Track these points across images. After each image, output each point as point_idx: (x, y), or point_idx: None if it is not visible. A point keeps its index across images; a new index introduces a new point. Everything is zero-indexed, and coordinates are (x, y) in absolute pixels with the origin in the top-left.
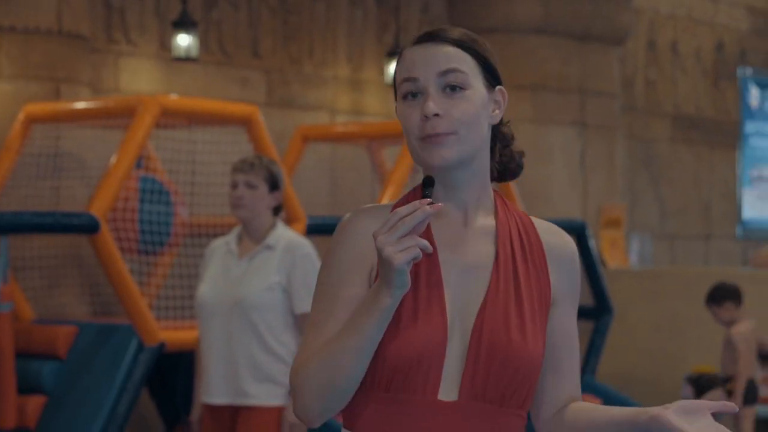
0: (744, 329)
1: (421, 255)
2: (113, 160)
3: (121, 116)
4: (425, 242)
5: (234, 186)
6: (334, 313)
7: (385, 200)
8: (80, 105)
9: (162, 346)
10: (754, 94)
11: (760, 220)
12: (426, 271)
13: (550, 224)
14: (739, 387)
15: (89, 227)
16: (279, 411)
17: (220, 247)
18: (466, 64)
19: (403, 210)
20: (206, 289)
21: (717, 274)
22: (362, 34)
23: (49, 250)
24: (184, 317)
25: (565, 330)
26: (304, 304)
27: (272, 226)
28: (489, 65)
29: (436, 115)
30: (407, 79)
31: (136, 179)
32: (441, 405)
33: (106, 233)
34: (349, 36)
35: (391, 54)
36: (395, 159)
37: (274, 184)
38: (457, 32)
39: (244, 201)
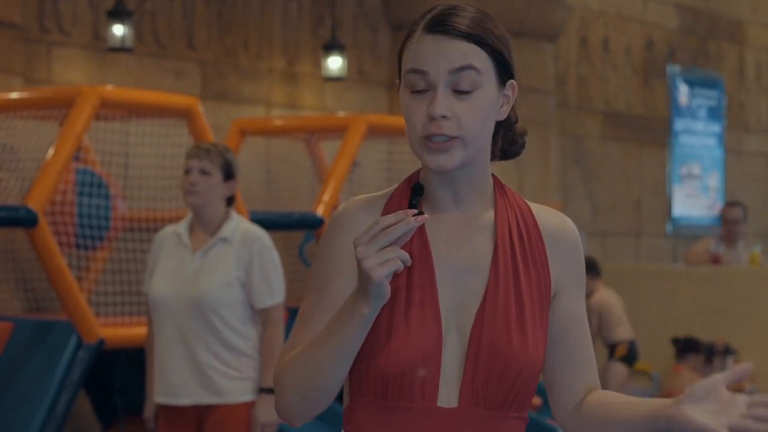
0: (604, 297)
1: (402, 268)
2: (51, 151)
3: (58, 107)
4: (406, 255)
5: (187, 171)
6: (319, 310)
7: (326, 195)
8: (14, 95)
9: (101, 342)
10: (683, 92)
11: (689, 218)
12: (419, 271)
13: (549, 209)
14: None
15: (27, 221)
16: (248, 406)
17: (171, 238)
18: (479, 62)
19: (387, 220)
20: (160, 284)
21: (648, 270)
22: (297, 27)
23: None
24: (123, 313)
25: (572, 319)
26: (264, 299)
27: (226, 217)
28: (503, 60)
29: (444, 116)
30: (415, 71)
31: (73, 172)
32: (440, 412)
33: (44, 227)
34: (285, 29)
35: (328, 48)
36: (334, 154)
37: (228, 173)
38: (470, 21)
39: (198, 188)
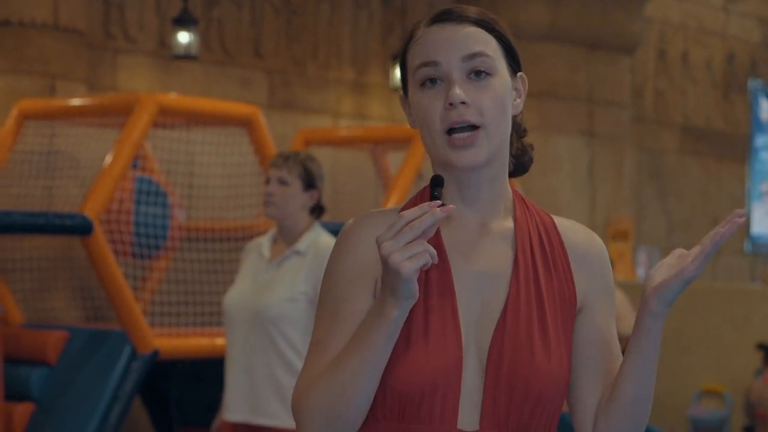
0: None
1: (430, 262)
2: (108, 159)
3: (117, 114)
4: (433, 249)
5: (267, 182)
6: (337, 331)
7: (390, 206)
8: (75, 102)
9: (155, 353)
10: (764, 107)
11: None
12: (437, 281)
13: (574, 222)
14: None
15: (82, 228)
16: None
17: (254, 249)
18: (490, 47)
19: (411, 213)
20: (231, 294)
21: (725, 289)
22: (367, 36)
23: (40, 252)
24: (179, 324)
25: (600, 338)
26: None
27: (307, 229)
28: (512, 49)
29: (463, 103)
30: (426, 64)
31: (132, 180)
32: None
33: (99, 235)
34: (354, 38)
35: (397, 58)
36: (399, 164)
37: (309, 182)
38: (476, 10)
39: (275, 198)
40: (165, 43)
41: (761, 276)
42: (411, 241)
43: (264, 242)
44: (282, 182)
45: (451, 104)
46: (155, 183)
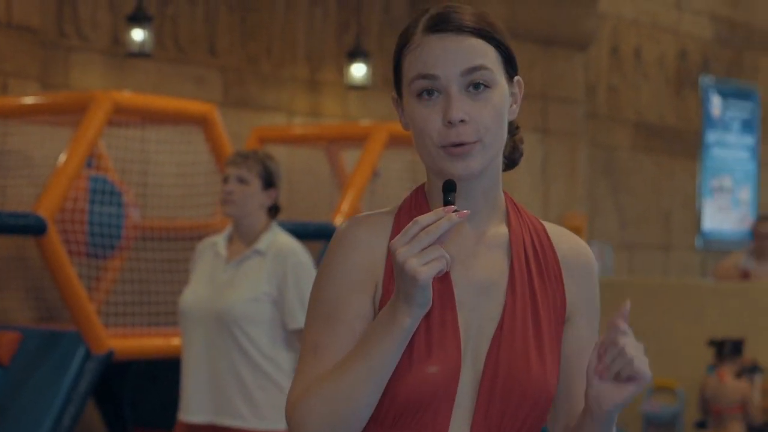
0: None
1: (446, 268)
2: (62, 158)
3: (72, 112)
4: (448, 255)
5: (225, 180)
6: (336, 336)
7: (345, 205)
8: (29, 100)
9: (110, 354)
10: (715, 104)
11: (719, 231)
12: (438, 291)
13: (563, 229)
14: None
15: (36, 228)
16: None
17: (209, 248)
18: (489, 59)
19: (425, 219)
20: (188, 295)
21: (676, 285)
22: (322, 34)
23: None
24: (133, 324)
25: (584, 349)
26: (297, 319)
27: (266, 228)
28: (509, 54)
29: (462, 120)
30: (424, 77)
31: (86, 179)
32: None
33: (53, 235)
34: (309, 35)
35: (352, 55)
36: (354, 162)
37: (269, 181)
38: (473, 16)
39: (234, 197)
40: (118, 40)
41: (713, 272)
42: (426, 247)
43: (219, 241)
44: (241, 181)
45: (449, 122)
46: (110, 182)
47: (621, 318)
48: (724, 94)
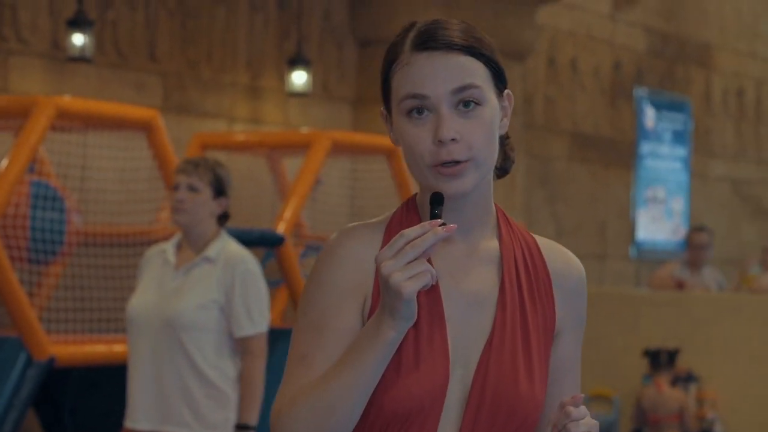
0: None
1: (431, 283)
2: (4, 163)
3: (12, 117)
4: (433, 270)
5: (175, 188)
6: (324, 347)
7: (288, 212)
8: None
9: (52, 360)
10: (649, 115)
11: (653, 242)
12: (427, 305)
13: (555, 244)
14: None
15: None
16: None
17: (157, 255)
18: (479, 76)
19: (412, 232)
20: (137, 302)
21: (612, 294)
22: (262, 40)
23: None
24: (76, 330)
25: (568, 365)
26: (243, 327)
27: (215, 236)
28: (498, 69)
29: (453, 139)
30: (414, 96)
31: (27, 184)
32: None
33: None
34: (249, 42)
35: (293, 62)
36: (295, 170)
37: (219, 189)
38: (461, 32)
39: (185, 205)
40: (58, 45)
41: (648, 282)
42: (411, 261)
43: (168, 248)
44: (192, 189)
45: (440, 141)
46: (52, 188)
47: (573, 403)
48: (658, 106)
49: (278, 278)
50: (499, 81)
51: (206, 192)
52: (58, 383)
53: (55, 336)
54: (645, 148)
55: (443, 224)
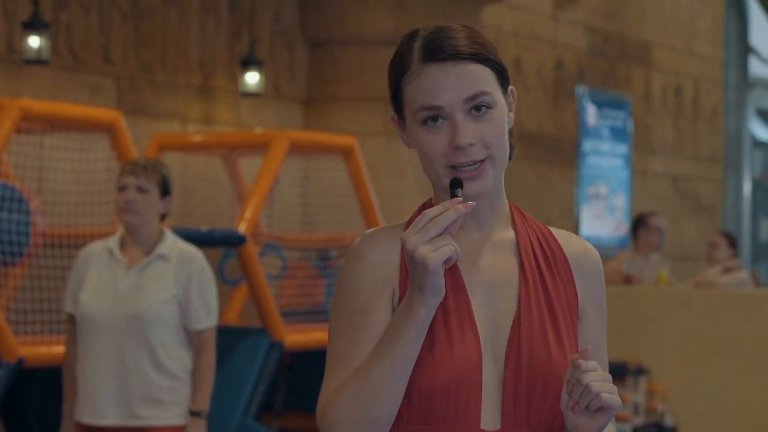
0: None
1: (456, 256)
2: None
3: None
4: (456, 245)
5: (123, 189)
6: (360, 341)
7: (249, 212)
8: None
9: (20, 362)
10: (591, 113)
11: (596, 238)
12: (451, 289)
13: (569, 233)
14: None
15: None
16: (175, 431)
17: (99, 254)
18: (487, 81)
19: (433, 211)
20: (91, 301)
21: None
22: (215, 42)
23: None
24: (42, 332)
25: (594, 341)
26: (201, 321)
27: (161, 235)
28: (502, 69)
29: (470, 144)
30: (429, 108)
31: None
32: None
33: None
34: (202, 44)
35: (245, 63)
36: (252, 170)
37: (166, 189)
38: (467, 40)
39: (136, 206)
40: (13, 47)
41: None
42: (435, 237)
43: (113, 247)
44: (141, 190)
45: (458, 146)
46: (17, 189)
47: (583, 356)
48: (599, 104)
49: (238, 277)
50: (504, 80)
51: (154, 193)
52: (23, 386)
53: (22, 337)
54: (587, 145)
55: (462, 202)
